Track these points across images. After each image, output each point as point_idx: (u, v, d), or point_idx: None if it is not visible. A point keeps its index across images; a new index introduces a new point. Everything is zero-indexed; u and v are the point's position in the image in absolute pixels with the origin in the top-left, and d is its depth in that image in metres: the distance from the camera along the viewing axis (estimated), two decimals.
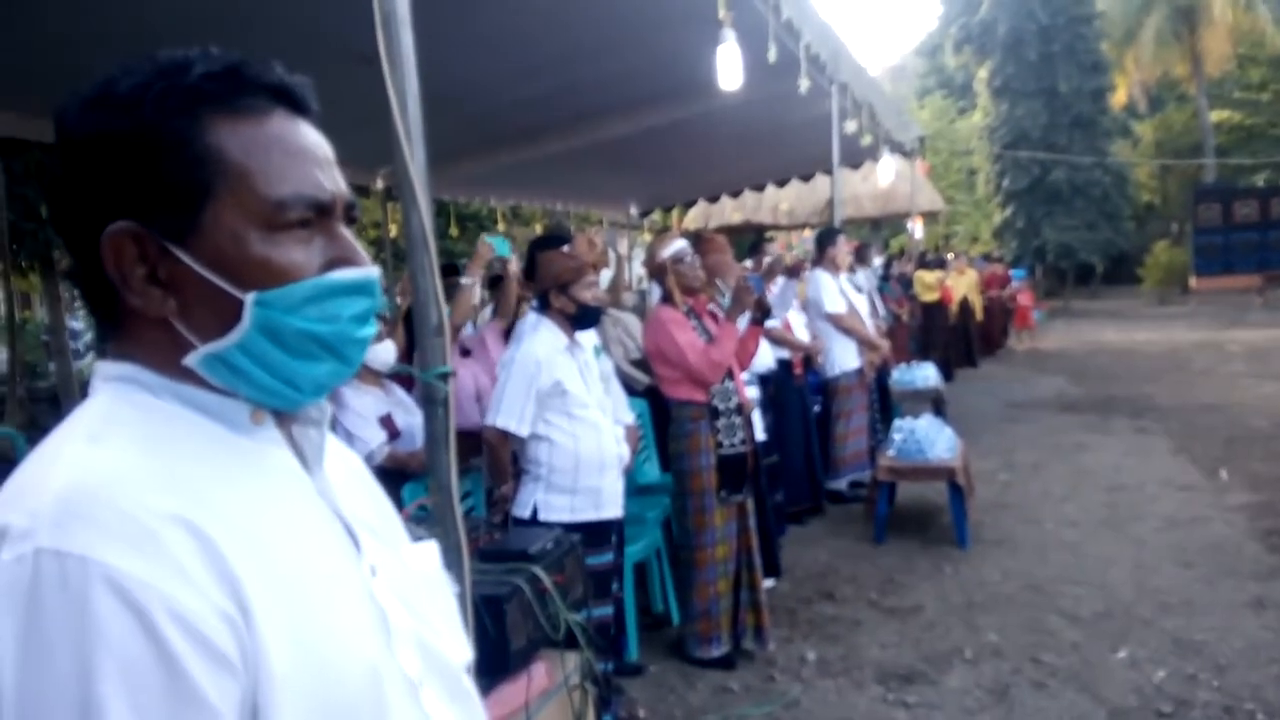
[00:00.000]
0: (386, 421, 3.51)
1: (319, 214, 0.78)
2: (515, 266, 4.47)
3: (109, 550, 0.63)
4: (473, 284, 4.04)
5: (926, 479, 5.29)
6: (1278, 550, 4.72)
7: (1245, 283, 22.52)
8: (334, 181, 0.80)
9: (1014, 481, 6.47)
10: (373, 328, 0.83)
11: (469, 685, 0.92)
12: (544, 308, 3.24)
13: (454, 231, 10.77)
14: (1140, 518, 5.44)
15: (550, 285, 3.21)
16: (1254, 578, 4.37)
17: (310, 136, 0.80)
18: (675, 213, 12.59)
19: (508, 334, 4.45)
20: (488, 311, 5.05)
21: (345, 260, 0.79)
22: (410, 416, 3.62)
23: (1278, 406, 8.64)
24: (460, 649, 0.93)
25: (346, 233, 0.81)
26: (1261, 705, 3.20)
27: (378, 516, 0.93)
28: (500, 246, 4.18)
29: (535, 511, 3.08)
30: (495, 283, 4.87)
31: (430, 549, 1.00)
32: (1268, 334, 15.14)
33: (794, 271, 6.65)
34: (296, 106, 0.80)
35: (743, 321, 3.74)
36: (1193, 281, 24.17)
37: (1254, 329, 16.14)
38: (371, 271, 0.81)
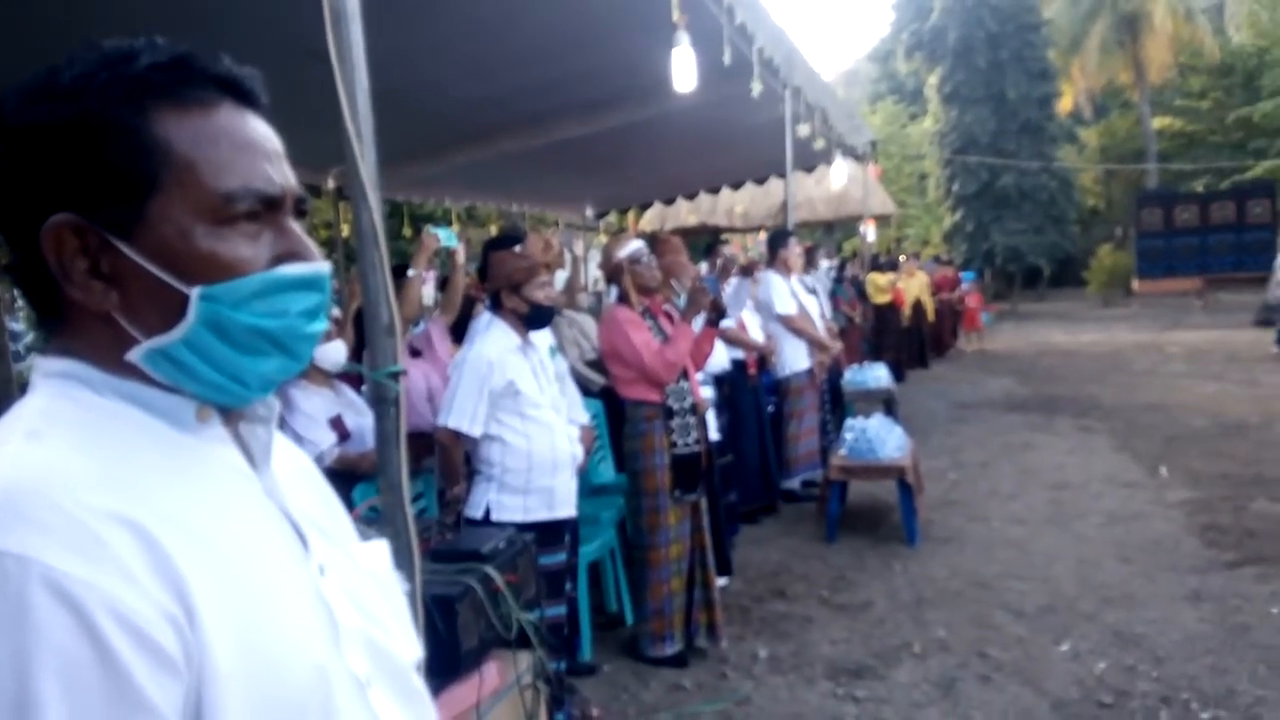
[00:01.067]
0: (336, 423, 3.47)
1: (268, 208, 0.77)
2: (462, 258, 4.44)
3: (49, 550, 0.62)
4: (419, 275, 4.01)
5: (877, 478, 5.37)
6: (1215, 545, 4.87)
7: (1186, 285, 23.13)
8: (283, 175, 0.79)
9: (962, 480, 6.59)
10: (323, 323, 0.82)
11: (419, 684, 0.92)
12: (496, 307, 3.22)
13: (407, 231, 10.67)
14: (1083, 514, 5.56)
15: (503, 285, 3.20)
16: (1192, 572, 4.50)
17: (259, 129, 0.79)
18: (631, 214, 12.62)
19: (453, 329, 4.42)
20: (435, 313, 5.01)
21: (294, 255, 0.78)
22: (360, 417, 3.58)
23: (1216, 406, 8.90)
24: (410, 648, 0.93)
25: (296, 227, 0.80)
26: (1197, 695, 3.30)
27: (326, 515, 0.92)
28: (447, 238, 4.14)
29: (488, 512, 3.07)
30: (446, 285, 4.83)
31: (380, 548, 0.99)
32: (1206, 335, 15.58)
33: (748, 271, 6.69)
34: (245, 98, 0.79)
35: (698, 322, 3.76)
36: (1135, 284, 24.76)
37: (1193, 331, 16.59)
38: (321, 266, 0.81)
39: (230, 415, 0.82)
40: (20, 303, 9.73)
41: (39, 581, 0.60)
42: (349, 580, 0.87)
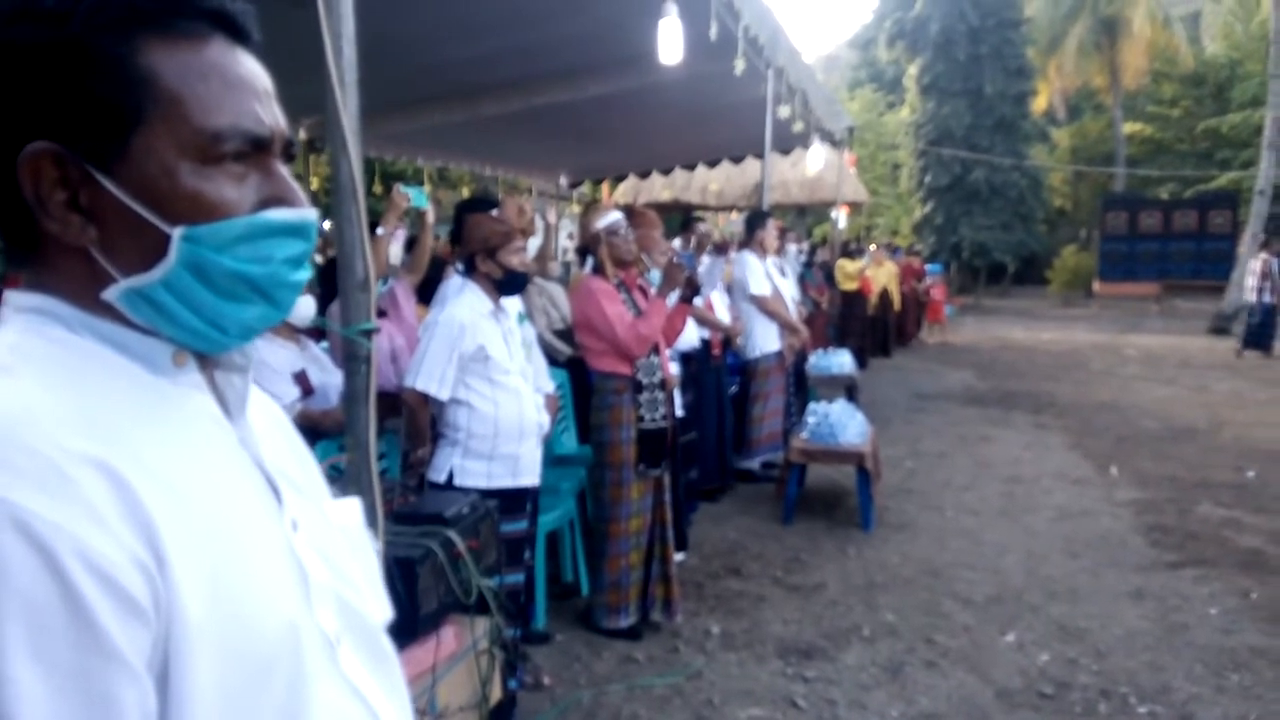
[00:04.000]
0: (301, 378, 3.42)
1: (255, 149, 0.74)
2: (432, 219, 4.37)
3: (17, 490, 0.59)
4: (388, 234, 3.95)
5: (837, 462, 5.42)
6: (1159, 545, 4.99)
7: (1145, 290, 23.58)
8: (273, 116, 0.76)
9: (919, 469, 6.67)
10: (307, 271, 0.80)
11: (387, 645, 0.90)
12: (469, 271, 3.19)
13: (377, 189, 10.52)
14: (1034, 509, 5.67)
15: (477, 249, 3.16)
16: (1136, 570, 4.61)
17: (250, 66, 0.76)
18: (605, 186, 12.54)
19: (420, 290, 4.36)
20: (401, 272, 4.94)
21: (281, 199, 0.76)
22: (325, 374, 3.53)
23: (1167, 410, 9.10)
24: (380, 608, 0.91)
25: (284, 171, 0.77)
26: (1135, 689, 3.39)
27: (299, 469, 0.90)
28: (417, 198, 4.08)
29: (451, 476, 3.05)
30: (414, 245, 4.76)
31: (352, 505, 0.97)
32: (1162, 340, 15.90)
33: (721, 250, 6.70)
34: (237, 34, 0.76)
35: (672, 298, 3.75)
36: (1096, 286, 25.17)
37: (1150, 335, 16.93)
38: (309, 213, 0.78)
39: (206, 361, 0.79)
40: None
41: (6, 521, 0.58)
42: (321, 536, 0.85)
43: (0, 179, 0.71)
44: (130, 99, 0.70)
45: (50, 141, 0.69)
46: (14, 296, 0.74)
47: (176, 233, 0.71)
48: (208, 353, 0.78)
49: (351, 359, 1.81)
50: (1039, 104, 27.66)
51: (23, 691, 0.57)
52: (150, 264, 0.71)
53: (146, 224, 0.71)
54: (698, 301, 4.86)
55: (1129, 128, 28.44)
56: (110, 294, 0.72)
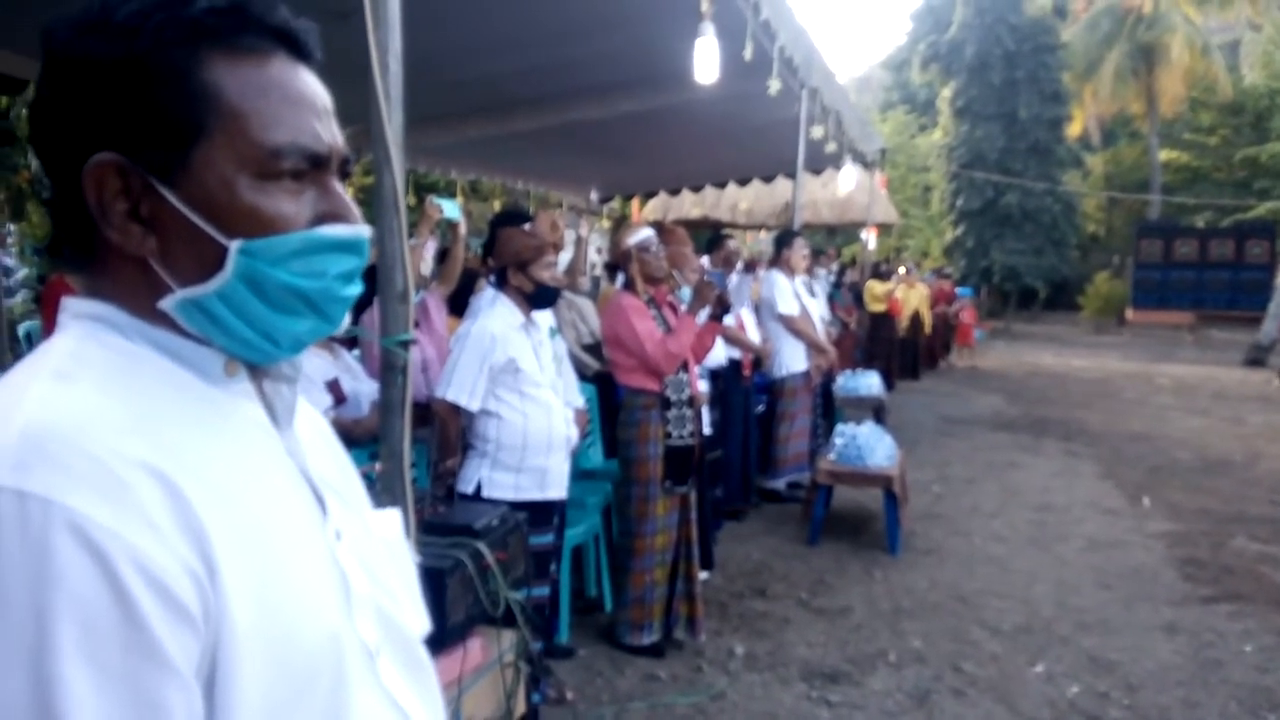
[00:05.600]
0: (333, 386, 3.45)
1: (313, 165, 0.76)
2: (464, 230, 4.40)
3: (74, 494, 0.60)
4: (420, 244, 3.98)
5: (864, 485, 5.38)
6: (1192, 579, 4.90)
7: (1178, 319, 23.26)
8: (331, 133, 0.78)
9: (946, 494, 6.61)
10: (358, 287, 0.81)
11: (424, 656, 0.91)
12: (501, 284, 3.21)
13: (410, 200, 10.61)
14: (1065, 538, 5.59)
15: (510, 262, 3.18)
16: (1168, 603, 4.53)
17: (311, 84, 0.77)
18: (635, 202, 12.58)
19: (451, 301, 4.39)
20: (433, 284, 4.98)
21: (337, 216, 0.77)
22: (357, 383, 3.56)
23: (1201, 441, 8.95)
24: (418, 619, 0.92)
25: (339, 187, 0.79)
26: None
27: (343, 479, 0.91)
28: (450, 209, 4.11)
29: (479, 487, 3.06)
30: (445, 256, 4.79)
31: (393, 516, 0.98)
32: (1195, 370, 15.67)
33: (750, 268, 6.69)
34: (299, 52, 0.77)
35: (702, 316, 3.75)
36: (1129, 313, 24.88)
37: (1183, 364, 16.68)
38: (363, 230, 0.79)
39: (255, 371, 0.81)
40: (12, 238, 9.62)
41: (63, 526, 0.59)
42: (363, 547, 0.85)
43: (65, 188, 0.73)
44: (194, 113, 0.71)
45: (115, 153, 0.70)
46: (72, 303, 0.76)
47: (234, 245, 0.72)
48: (258, 363, 0.80)
49: (388, 369, 1.82)
50: (1074, 129, 27.43)
51: (73, 692, 0.58)
52: (207, 275, 0.73)
53: (205, 236, 0.72)
54: (728, 320, 4.85)
55: (1165, 155, 28.14)
56: (167, 303, 0.73)
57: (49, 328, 3.99)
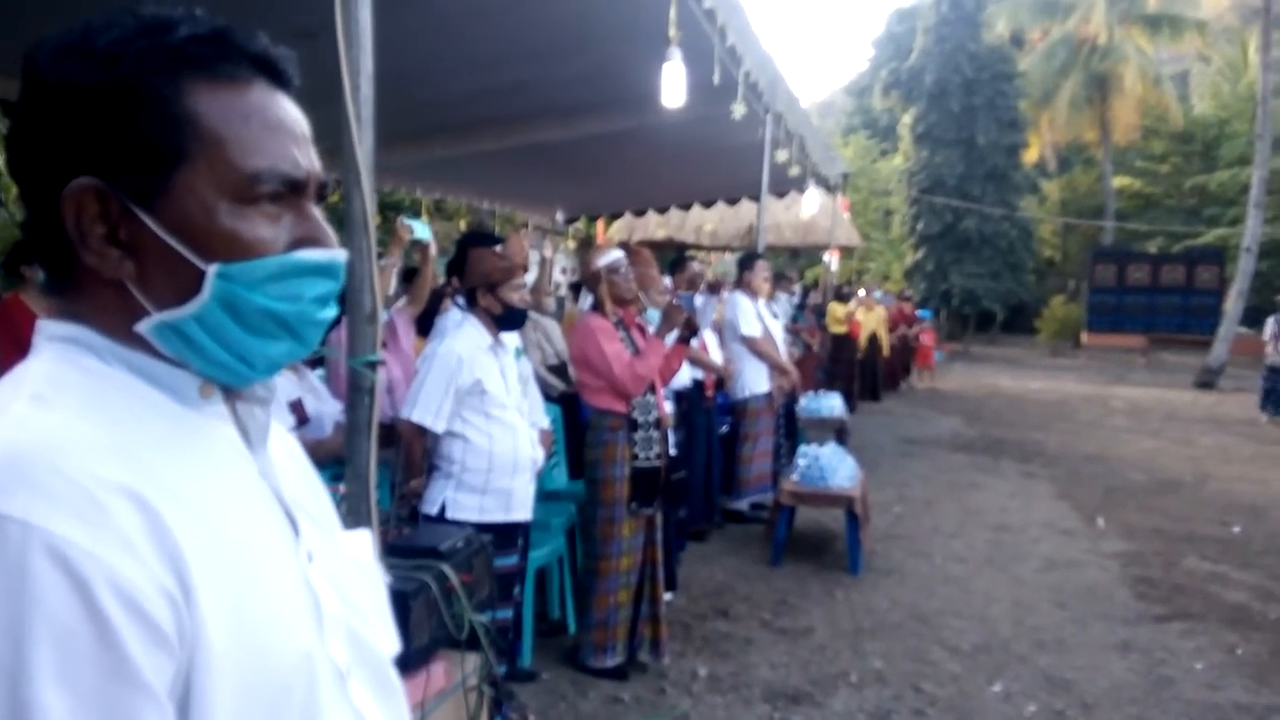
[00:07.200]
0: (296, 407, 3.42)
1: (291, 190, 0.77)
2: (433, 252, 4.40)
3: (53, 518, 0.61)
4: (390, 265, 3.98)
5: (826, 505, 5.42)
6: (1145, 598, 4.99)
7: (1132, 342, 23.77)
8: (309, 159, 0.79)
9: (907, 514, 6.68)
10: (334, 310, 0.82)
11: (394, 677, 0.91)
12: (470, 305, 3.21)
13: (376, 219, 10.55)
14: (1022, 557, 5.67)
15: (479, 283, 3.18)
16: (1123, 622, 4.61)
17: (290, 111, 0.78)
18: (600, 223, 12.62)
19: (419, 322, 4.38)
20: (400, 303, 4.97)
21: (314, 240, 0.78)
22: (320, 403, 3.54)
23: (1153, 462, 9.14)
24: (388, 640, 0.92)
25: (316, 212, 0.79)
26: None
27: (314, 501, 0.91)
28: (420, 230, 4.10)
29: (444, 509, 3.05)
30: (410, 275, 4.78)
31: (363, 537, 0.98)
32: (1149, 392, 16.00)
33: (714, 289, 6.74)
34: (278, 79, 0.78)
35: (670, 338, 3.78)
36: (1084, 337, 25.38)
37: (1137, 387, 17.04)
38: (339, 254, 0.80)
39: (229, 394, 0.81)
40: None
41: (41, 548, 0.59)
42: (334, 568, 0.86)
43: (43, 211, 0.73)
44: (174, 139, 0.72)
45: (94, 177, 0.71)
46: (48, 325, 0.76)
47: (211, 269, 0.73)
48: (233, 386, 0.80)
49: (356, 390, 1.82)
50: (1030, 156, 28.06)
51: (49, 716, 0.58)
52: (184, 299, 0.73)
53: (182, 260, 0.72)
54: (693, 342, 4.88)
55: (1119, 182, 28.86)
56: (143, 326, 0.74)
57: (4, 348, 3.91)
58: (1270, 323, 12.53)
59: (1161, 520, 6.72)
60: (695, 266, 6.31)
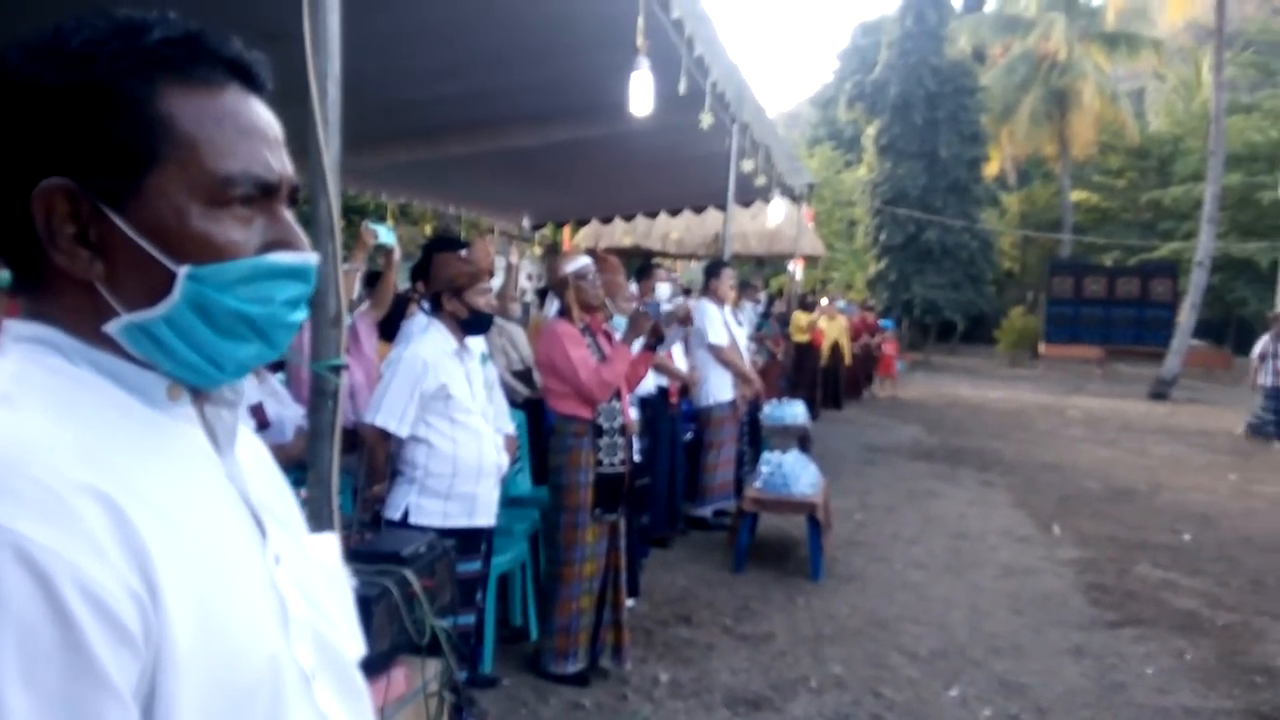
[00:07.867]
0: (257, 411, 3.39)
1: (263, 194, 0.77)
2: (398, 256, 4.39)
3: (19, 518, 0.61)
4: (354, 270, 3.96)
5: (789, 512, 5.46)
6: (1098, 604, 5.09)
7: (1088, 353, 24.20)
8: (281, 163, 0.79)
9: (868, 521, 6.75)
10: (304, 313, 0.82)
11: (359, 680, 0.92)
12: (436, 310, 3.20)
13: (340, 223, 10.46)
14: (980, 564, 5.76)
15: (444, 288, 3.18)
16: (1076, 628, 4.70)
17: (263, 115, 0.79)
18: (567, 229, 12.62)
19: (382, 326, 4.36)
20: (364, 307, 4.94)
21: (285, 243, 0.78)
22: (281, 408, 3.51)
23: (1108, 471, 9.32)
24: (354, 644, 0.93)
25: (288, 215, 0.80)
26: None
27: (281, 504, 0.91)
28: (385, 235, 4.09)
29: (407, 514, 3.04)
30: (373, 279, 4.75)
31: (330, 541, 0.99)
32: (1104, 403, 16.31)
33: (685, 293, 6.77)
34: (251, 83, 0.79)
35: (636, 345, 3.79)
36: (1042, 348, 25.77)
37: (1093, 397, 17.35)
38: (310, 257, 0.81)
39: (197, 396, 0.81)
40: None
41: (7, 549, 0.59)
42: (301, 571, 0.86)
43: (11, 210, 0.73)
44: (147, 141, 0.72)
45: (65, 178, 0.71)
46: (14, 326, 0.75)
47: (182, 271, 0.73)
48: (201, 388, 0.80)
49: (318, 394, 1.82)
50: (991, 169, 28.50)
51: (12, 715, 0.58)
52: (154, 300, 0.73)
53: (153, 261, 0.73)
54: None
55: (1076, 195, 29.40)
56: (112, 327, 0.73)
57: None
58: (1260, 344, 11.91)
59: (1115, 528, 6.85)
60: (660, 273, 6.34)
